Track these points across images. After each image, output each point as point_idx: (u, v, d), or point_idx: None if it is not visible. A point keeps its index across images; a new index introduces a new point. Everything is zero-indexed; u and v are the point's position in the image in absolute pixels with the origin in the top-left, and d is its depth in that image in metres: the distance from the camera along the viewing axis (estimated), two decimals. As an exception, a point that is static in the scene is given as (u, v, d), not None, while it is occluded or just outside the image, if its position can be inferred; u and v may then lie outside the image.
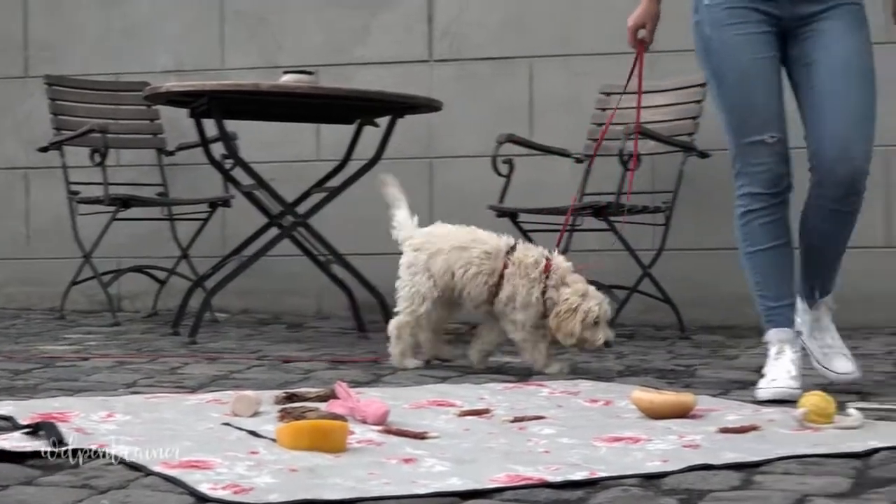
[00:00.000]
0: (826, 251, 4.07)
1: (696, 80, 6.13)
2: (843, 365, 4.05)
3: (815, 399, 3.32)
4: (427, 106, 5.69)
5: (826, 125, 3.85)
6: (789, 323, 4.00)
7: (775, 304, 4.00)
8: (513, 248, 4.58)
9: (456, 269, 4.57)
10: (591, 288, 4.51)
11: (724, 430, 3.21)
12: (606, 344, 4.46)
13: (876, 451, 2.94)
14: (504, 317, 4.57)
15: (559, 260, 4.56)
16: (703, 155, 5.96)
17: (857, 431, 3.19)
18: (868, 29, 3.91)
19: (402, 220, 4.77)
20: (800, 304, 4.12)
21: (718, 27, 3.96)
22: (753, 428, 3.23)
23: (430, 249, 4.61)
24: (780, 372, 3.90)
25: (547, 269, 4.50)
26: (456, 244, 4.60)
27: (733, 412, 3.53)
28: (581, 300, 4.43)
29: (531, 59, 6.67)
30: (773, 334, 4.00)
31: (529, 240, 5.92)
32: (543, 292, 4.49)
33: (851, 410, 3.31)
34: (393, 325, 4.66)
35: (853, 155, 3.84)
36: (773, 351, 3.98)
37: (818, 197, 3.94)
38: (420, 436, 3.11)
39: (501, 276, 4.54)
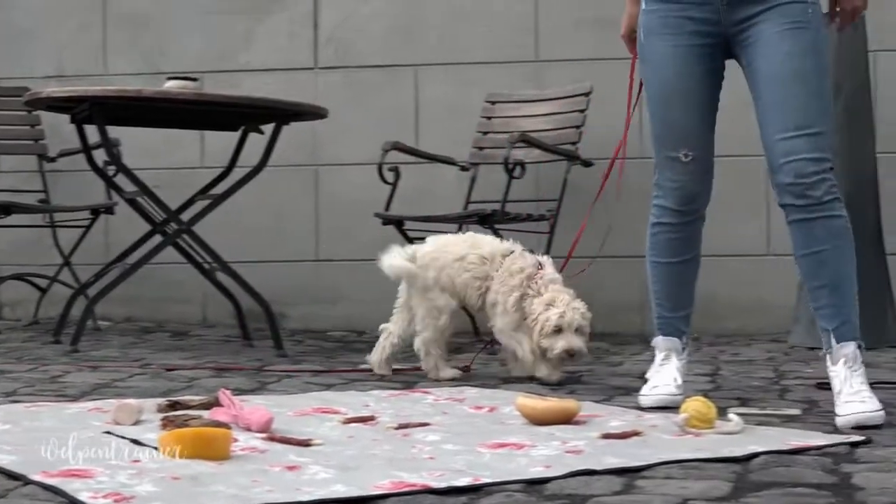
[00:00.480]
0: (820, 274, 3.65)
1: (580, 89, 6.20)
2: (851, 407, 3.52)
3: (696, 404, 3.36)
4: (312, 113, 5.67)
5: (770, 136, 3.65)
6: (679, 334, 4.00)
7: (670, 315, 4.00)
8: (509, 254, 4.63)
9: (455, 278, 4.61)
10: (566, 297, 4.50)
11: (607, 436, 3.24)
12: (569, 353, 4.44)
13: (755, 455, 2.98)
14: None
15: (548, 269, 4.59)
16: (587, 164, 6.02)
17: (737, 436, 3.23)
18: (816, 24, 3.65)
19: (397, 250, 4.71)
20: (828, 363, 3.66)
21: (651, 36, 3.86)
22: (636, 433, 3.26)
23: (436, 265, 4.63)
24: (663, 379, 3.92)
25: (531, 277, 4.53)
26: (456, 254, 4.63)
27: (616, 418, 3.56)
28: (544, 309, 4.45)
29: (417, 67, 6.68)
30: (661, 342, 4.00)
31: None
32: (523, 299, 4.52)
33: (732, 416, 3.35)
34: (419, 343, 4.63)
35: (795, 163, 3.57)
36: (659, 358, 3.99)
37: (784, 210, 3.70)
38: (304, 443, 3.10)
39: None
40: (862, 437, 3.20)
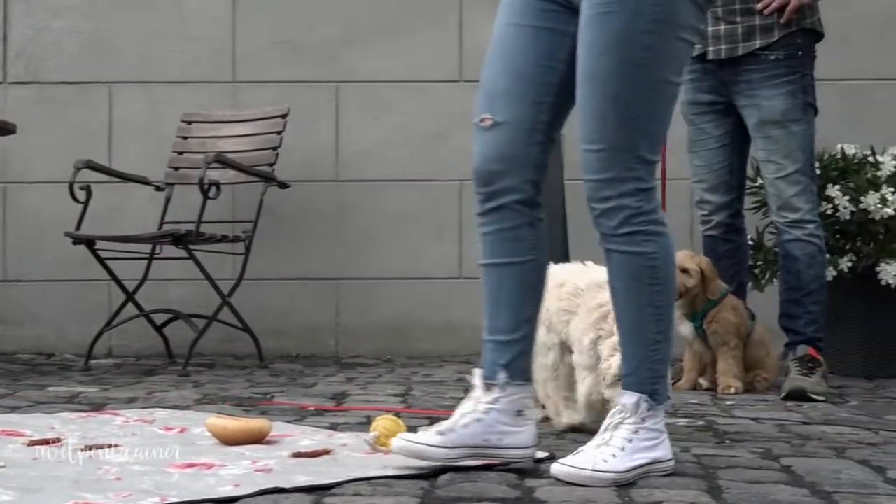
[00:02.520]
0: (627, 313, 3.10)
1: (277, 110, 6.21)
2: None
3: (386, 423, 3.39)
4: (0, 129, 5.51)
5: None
6: (484, 364, 3.19)
7: (485, 337, 3.22)
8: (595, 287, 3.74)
9: (550, 307, 3.77)
10: None
11: (297, 455, 3.24)
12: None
13: (443, 471, 3.04)
14: None
15: None
16: (283, 185, 6.02)
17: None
18: (632, 8, 2.95)
19: None
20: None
21: None
22: (326, 452, 3.27)
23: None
24: (447, 423, 3.15)
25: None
26: (557, 282, 3.78)
27: (308, 437, 3.57)
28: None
29: (111, 85, 6.56)
30: (475, 369, 3.22)
31: (106, 268, 5.85)
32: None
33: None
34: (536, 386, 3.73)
35: (587, 183, 3.03)
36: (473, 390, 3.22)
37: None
38: (-15, 466, 3.00)
39: None
40: (546, 454, 3.28)
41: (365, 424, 3.79)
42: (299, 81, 6.47)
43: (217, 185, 5.84)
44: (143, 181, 6.25)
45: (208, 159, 5.74)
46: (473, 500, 2.73)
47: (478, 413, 3.11)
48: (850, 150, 5.51)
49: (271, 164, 6.10)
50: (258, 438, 3.46)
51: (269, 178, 6.04)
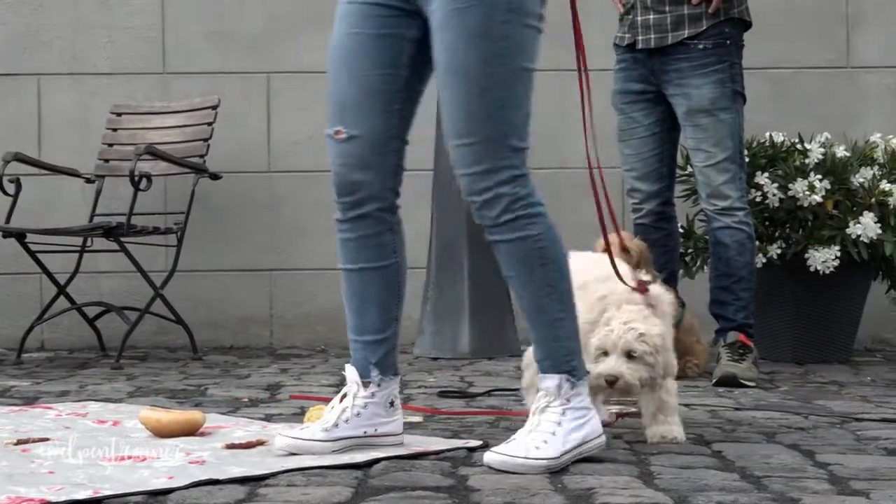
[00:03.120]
0: (526, 299, 3.16)
1: (207, 101, 6.18)
2: None
3: (319, 413, 3.40)
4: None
5: (446, 142, 3.17)
6: (363, 364, 3.28)
7: (354, 337, 3.31)
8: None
9: None
10: (630, 316, 3.35)
11: (231, 446, 3.24)
12: (607, 381, 3.32)
13: (377, 461, 3.06)
14: None
15: (652, 290, 3.49)
16: (215, 177, 6.00)
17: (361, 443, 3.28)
18: (494, 4, 3.03)
19: None
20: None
21: None
22: (260, 443, 3.27)
23: None
24: (320, 422, 3.25)
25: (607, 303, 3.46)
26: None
27: (241, 428, 3.57)
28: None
29: (40, 76, 6.50)
30: (347, 369, 3.31)
31: (37, 261, 5.81)
32: None
33: None
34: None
35: (462, 178, 3.10)
36: (345, 389, 3.31)
37: None
38: (-85, 462, 2.98)
39: None
40: (479, 442, 3.31)
41: (299, 415, 3.80)
42: (230, 72, 6.45)
43: (148, 176, 5.80)
44: (73, 173, 6.20)
45: (139, 151, 5.71)
46: (407, 488, 2.75)
47: (357, 408, 3.25)
48: (779, 137, 5.57)
49: (202, 156, 6.07)
50: (192, 430, 3.46)
51: (200, 170, 6.01)
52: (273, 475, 2.88)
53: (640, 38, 4.99)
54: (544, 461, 2.97)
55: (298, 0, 6.47)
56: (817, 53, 6.51)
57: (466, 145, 3.05)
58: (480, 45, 3.02)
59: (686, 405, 4.12)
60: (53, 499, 2.57)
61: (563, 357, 3.11)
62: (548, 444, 3.01)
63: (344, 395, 3.26)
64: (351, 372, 3.27)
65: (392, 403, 3.30)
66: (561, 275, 3.13)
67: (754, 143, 5.50)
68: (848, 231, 5.32)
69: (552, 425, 3.04)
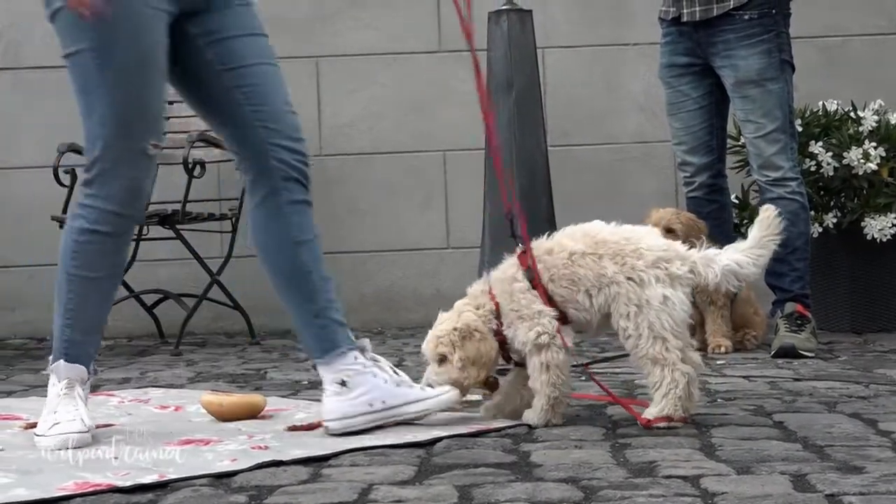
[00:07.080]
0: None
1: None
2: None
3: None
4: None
5: None
6: (87, 360, 3.32)
7: (82, 338, 3.32)
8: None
9: None
10: (444, 316, 3.44)
11: (293, 428, 3.27)
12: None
13: (439, 439, 3.07)
14: None
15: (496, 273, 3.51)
16: (268, 162, 6.01)
17: (421, 423, 3.28)
18: None
19: None
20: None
21: None
22: (321, 425, 3.29)
23: None
24: (67, 414, 3.19)
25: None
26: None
27: (302, 411, 3.59)
28: None
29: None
30: (63, 368, 3.27)
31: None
32: None
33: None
34: None
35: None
36: (59, 387, 3.25)
37: None
38: (-17, 451, 3.02)
39: None
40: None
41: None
42: (280, 57, 6.44)
43: (202, 163, 5.84)
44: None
45: (192, 138, 5.75)
46: (470, 466, 2.76)
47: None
48: (832, 105, 5.54)
49: (255, 141, 6.08)
50: (253, 413, 3.48)
51: (253, 155, 6.02)
52: (336, 455, 2.90)
53: (685, 10, 4.97)
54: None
55: (344, -16, 6.47)
56: (867, 20, 6.45)
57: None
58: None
59: (745, 377, 4.12)
60: (120, 483, 2.60)
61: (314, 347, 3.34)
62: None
63: (64, 393, 3.21)
64: (76, 370, 3.27)
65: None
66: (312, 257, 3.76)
67: (807, 112, 5.47)
68: (904, 198, 5.29)
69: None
